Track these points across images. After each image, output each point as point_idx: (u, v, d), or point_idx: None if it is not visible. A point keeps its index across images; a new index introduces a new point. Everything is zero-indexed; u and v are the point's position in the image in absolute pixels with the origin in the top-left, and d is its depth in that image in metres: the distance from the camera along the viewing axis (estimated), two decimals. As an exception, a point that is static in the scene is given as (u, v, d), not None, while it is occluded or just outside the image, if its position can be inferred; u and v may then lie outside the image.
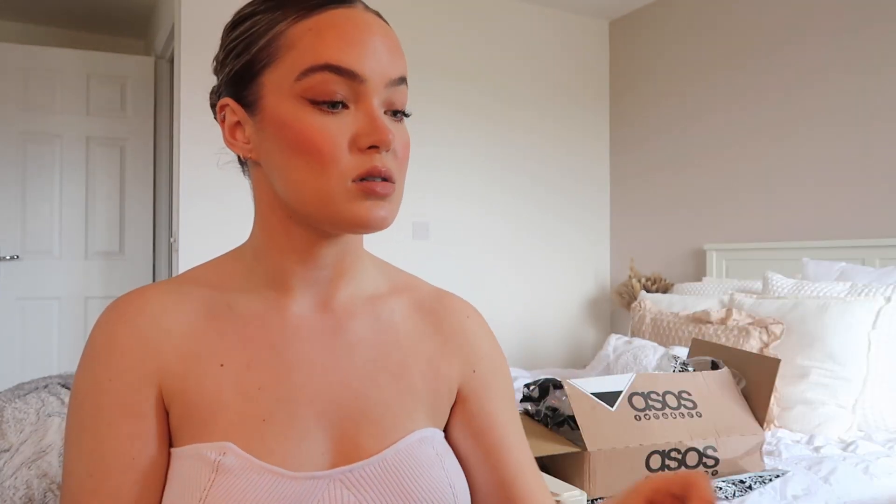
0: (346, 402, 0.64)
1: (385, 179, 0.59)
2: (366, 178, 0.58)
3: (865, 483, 1.51)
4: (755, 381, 1.54)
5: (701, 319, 2.30)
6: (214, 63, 0.66)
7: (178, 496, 0.58)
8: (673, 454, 1.37)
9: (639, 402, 1.41)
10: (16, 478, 0.88)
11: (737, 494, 1.34)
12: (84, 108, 3.62)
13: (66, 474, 0.61)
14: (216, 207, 2.82)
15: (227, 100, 0.63)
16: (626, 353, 2.26)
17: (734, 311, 2.22)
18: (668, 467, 1.36)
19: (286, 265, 0.64)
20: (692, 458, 1.38)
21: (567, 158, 3.74)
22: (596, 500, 1.29)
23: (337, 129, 0.58)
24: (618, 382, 1.44)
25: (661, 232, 3.53)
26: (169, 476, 0.61)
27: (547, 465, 1.37)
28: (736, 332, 2.13)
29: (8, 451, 0.95)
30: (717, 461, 1.40)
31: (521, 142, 3.60)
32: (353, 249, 0.67)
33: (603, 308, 3.82)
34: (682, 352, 2.06)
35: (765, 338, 2.07)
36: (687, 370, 1.63)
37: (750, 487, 1.38)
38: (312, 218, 0.60)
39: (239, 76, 0.62)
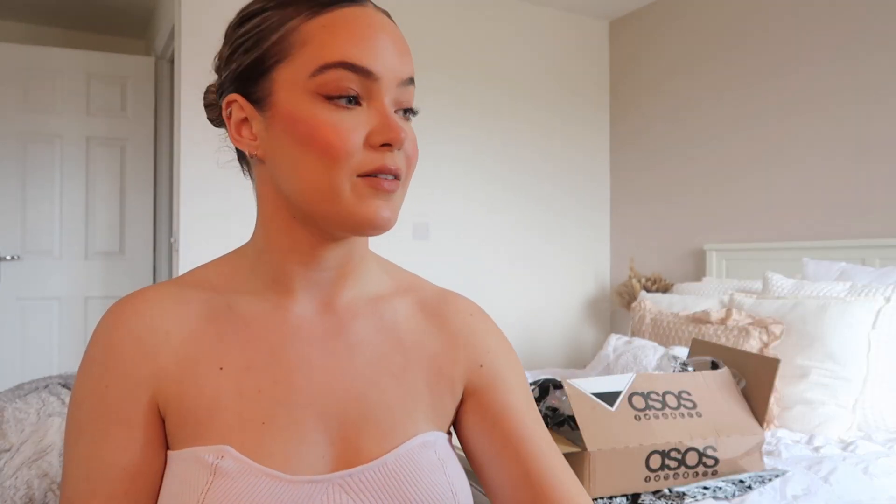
0: (347, 404, 0.63)
1: (393, 177, 0.59)
2: (374, 174, 0.58)
3: (865, 483, 1.51)
4: (755, 381, 1.54)
5: (701, 319, 2.30)
6: (217, 61, 0.66)
7: (176, 499, 0.58)
8: (673, 454, 1.37)
9: (639, 402, 1.41)
10: (16, 478, 0.88)
11: (736, 494, 1.34)
12: (84, 109, 3.62)
13: (64, 476, 0.62)
14: (216, 207, 2.83)
15: (234, 96, 0.62)
16: (626, 353, 2.26)
17: (734, 311, 2.22)
18: (668, 467, 1.36)
19: (288, 266, 0.64)
20: (692, 458, 1.38)
21: (567, 159, 3.74)
22: (596, 500, 1.30)
23: (352, 126, 0.58)
24: (618, 382, 1.44)
25: (661, 232, 3.53)
26: (165, 479, 0.61)
27: (547, 465, 1.37)
28: (736, 332, 2.13)
29: (8, 450, 0.95)
30: (716, 461, 1.41)
31: (522, 142, 3.60)
32: (359, 251, 0.67)
33: (603, 308, 3.82)
34: (682, 352, 2.06)
35: (765, 338, 2.07)
36: (687, 370, 1.64)
37: (750, 487, 1.38)
38: (318, 217, 0.60)
39: (248, 72, 0.61)
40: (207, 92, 0.69)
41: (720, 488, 1.35)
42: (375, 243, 0.73)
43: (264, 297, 0.65)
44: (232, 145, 0.67)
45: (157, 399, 0.60)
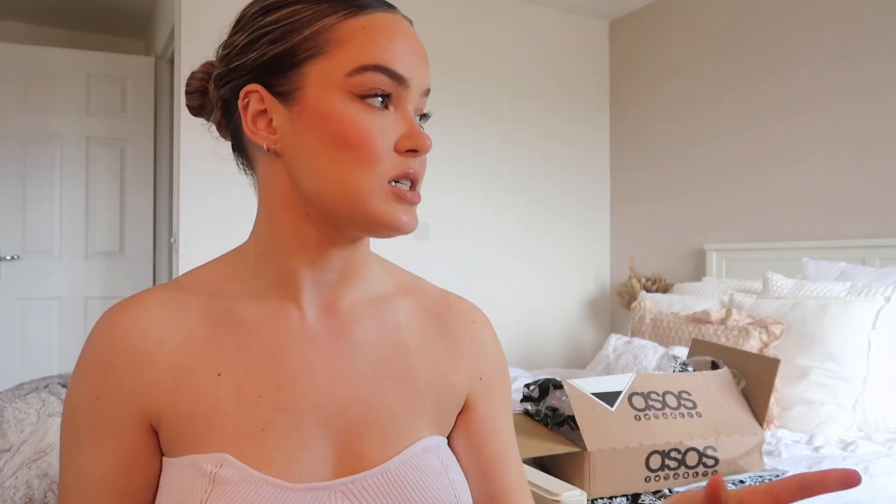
0: (349, 409, 0.62)
1: (413, 186, 0.60)
2: (399, 180, 0.59)
3: (865, 483, 1.51)
4: (755, 381, 1.54)
5: (701, 319, 2.30)
6: (224, 48, 0.63)
7: None
8: (673, 454, 1.37)
9: (639, 402, 1.41)
10: (16, 478, 0.88)
11: (737, 494, 1.34)
12: (84, 109, 3.62)
13: (60, 483, 0.61)
14: (216, 207, 2.82)
15: (255, 86, 0.60)
16: (626, 353, 2.26)
17: (734, 311, 2.22)
18: (668, 467, 1.36)
19: (294, 266, 0.62)
20: (692, 458, 1.38)
21: (567, 159, 3.74)
22: (595, 500, 1.30)
23: (382, 129, 0.58)
24: (618, 382, 1.44)
25: (661, 232, 3.53)
26: (162, 485, 0.60)
27: (547, 465, 1.37)
28: (736, 332, 2.13)
29: (8, 450, 0.95)
30: (716, 461, 1.41)
31: (522, 142, 3.60)
32: (363, 251, 0.66)
33: (603, 308, 3.82)
34: (682, 352, 2.06)
35: (765, 338, 2.07)
36: (687, 370, 1.64)
37: (750, 487, 1.38)
38: (339, 216, 0.59)
39: (273, 63, 0.59)
40: (192, 79, 0.66)
41: (720, 488, 1.34)
42: (376, 243, 0.72)
43: (265, 298, 0.63)
44: (219, 136, 0.66)
45: (149, 411, 0.59)
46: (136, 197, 3.73)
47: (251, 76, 0.60)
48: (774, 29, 2.97)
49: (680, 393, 1.46)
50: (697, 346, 1.79)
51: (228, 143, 0.68)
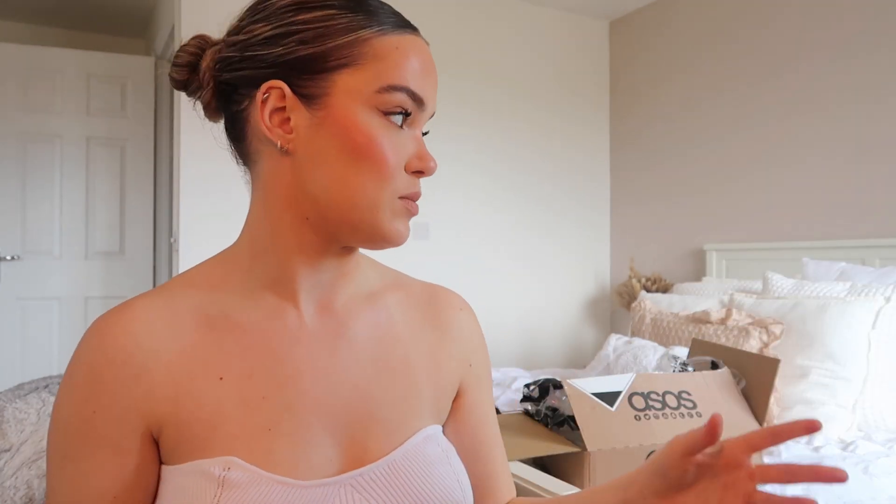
0: (352, 404, 0.63)
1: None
2: (408, 198, 0.62)
3: (865, 483, 1.51)
4: (755, 381, 1.54)
5: (701, 319, 2.30)
6: (244, 35, 0.60)
7: None
8: (673, 454, 1.36)
9: (639, 402, 1.41)
10: (16, 478, 0.88)
11: (737, 494, 1.34)
12: (84, 109, 3.62)
13: (48, 497, 0.60)
14: (216, 207, 2.82)
15: (278, 83, 0.59)
16: (626, 353, 2.26)
17: (734, 311, 2.22)
18: (668, 467, 1.36)
19: (291, 266, 0.62)
20: (692, 458, 1.38)
21: (567, 159, 3.74)
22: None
23: (399, 147, 0.60)
24: (618, 382, 1.44)
25: (661, 232, 3.53)
26: (164, 494, 0.59)
27: (547, 465, 1.37)
28: (736, 332, 2.13)
29: (8, 450, 0.95)
30: (716, 461, 1.40)
31: (522, 142, 3.60)
32: (355, 251, 0.67)
33: (603, 308, 3.82)
34: (682, 352, 2.06)
35: (765, 338, 2.07)
36: (687, 370, 1.64)
37: (750, 487, 1.37)
38: (342, 223, 0.60)
39: (302, 64, 0.59)
40: (183, 51, 0.64)
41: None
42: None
43: (261, 299, 0.63)
44: (209, 121, 0.66)
45: (150, 422, 0.58)
46: (136, 197, 3.73)
47: (273, 71, 0.59)
48: (774, 28, 2.97)
49: (680, 393, 1.46)
50: (697, 346, 1.79)
51: (222, 131, 0.67)
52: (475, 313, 0.78)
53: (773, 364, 1.52)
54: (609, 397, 1.40)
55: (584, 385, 1.40)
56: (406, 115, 0.60)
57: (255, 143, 0.62)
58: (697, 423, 1.42)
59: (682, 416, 1.42)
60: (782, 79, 2.92)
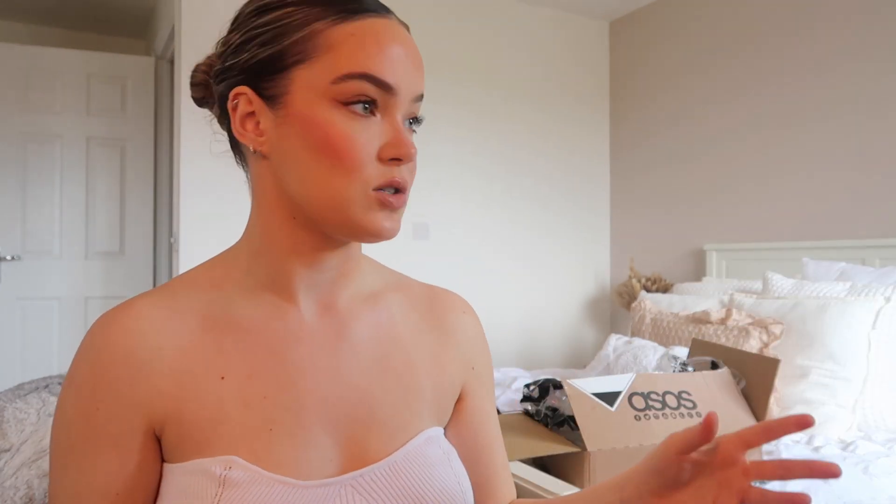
0: (353, 405, 0.63)
1: (398, 191, 0.60)
2: (384, 188, 0.59)
3: (865, 483, 1.51)
4: (755, 381, 1.54)
5: (701, 319, 2.30)
6: (222, 45, 0.63)
7: None
8: (673, 454, 1.36)
9: (639, 402, 1.41)
10: (16, 478, 0.88)
11: (737, 494, 1.34)
12: (84, 109, 3.62)
13: (50, 495, 0.60)
14: (216, 207, 2.82)
15: (243, 88, 0.60)
16: (626, 353, 2.26)
17: (734, 311, 2.22)
18: (668, 467, 1.36)
19: (289, 267, 0.62)
20: (692, 458, 1.38)
21: (567, 159, 3.74)
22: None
23: (366, 137, 0.58)
24: (618, 382, 1.44)
25: (661, 232, 3.53)
26: (165, 492, 0.59)
27: (547, 465, 1.37)
28: (736, 332, 2.13)
29: (8, 450, 0.95)
30: (716, 461, 1.40)
31: (522, 142, 3.60)
32: (356, 251, 0.67)
33: (603, 308, 3.82)
34: (682, 352, 2.06)
35: (765, 338, 2.07)
36: (687, 370, 1.64)
37: (750, 487, 1.37)
38: (323, 221, 0.59)
39: (262, 66, 0.59)
40: (196, 71, 0.66)
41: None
42: (376, 244, 0.72)
43: (262, 299, 0.63)
44: (223, 133, 0.66)
45: (152, 419, 0.58)
46: (136, 197, 3.73)
47: (242, 77, 0.60)
48: (776, 29, 2.97)
49: (680, 393, 1.46)
50: (697, 346, 1.79)
51: (221, 138, 0.68)
52: (478, 315, 0.78)
53: (773, 364, 1.52)
54: (609, 397, 1.40)
55: (584, 385, 1.40)
56: (369, 102, 0.58)
57: (244, 149, 0.64)
58: (697, 424, 1.42)
59: (682, 416, 1.42)
60: (783, 80, 2.92)
